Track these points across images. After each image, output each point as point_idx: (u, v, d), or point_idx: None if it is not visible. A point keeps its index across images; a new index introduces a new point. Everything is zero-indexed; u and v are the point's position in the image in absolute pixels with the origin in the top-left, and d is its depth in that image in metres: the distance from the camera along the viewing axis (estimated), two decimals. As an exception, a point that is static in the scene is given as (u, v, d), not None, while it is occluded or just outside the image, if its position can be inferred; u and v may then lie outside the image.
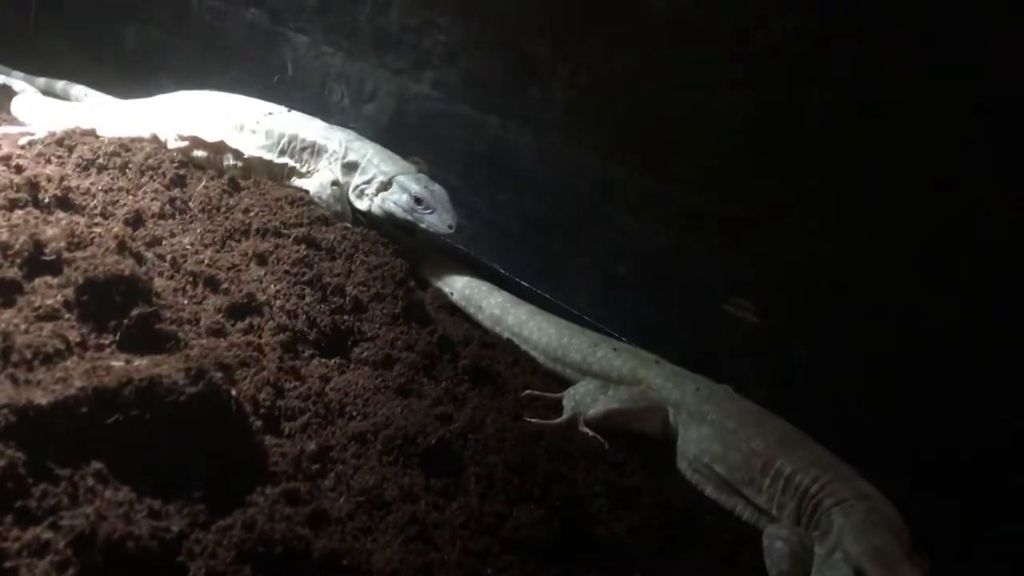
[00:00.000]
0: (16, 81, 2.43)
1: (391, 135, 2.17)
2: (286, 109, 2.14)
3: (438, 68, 2.18)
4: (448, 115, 2.16)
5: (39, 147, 1.91)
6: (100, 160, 1.89)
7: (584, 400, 1.62)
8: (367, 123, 2.20)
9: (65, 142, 1.96)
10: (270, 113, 2.10)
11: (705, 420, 1.56)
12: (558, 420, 1.59)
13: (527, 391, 1.66)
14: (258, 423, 1.28)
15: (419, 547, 1.12)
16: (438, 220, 1.90)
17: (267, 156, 2.05)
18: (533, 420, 1.54)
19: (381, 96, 2.29)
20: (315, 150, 2.05)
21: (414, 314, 1.69)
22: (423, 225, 1.92)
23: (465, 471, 1.31)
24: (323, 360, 1.50)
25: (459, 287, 1.96)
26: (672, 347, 1.78)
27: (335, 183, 2.01)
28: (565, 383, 1.75)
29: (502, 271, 2.07)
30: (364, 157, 2.01)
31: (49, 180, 1.61)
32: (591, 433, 1.57)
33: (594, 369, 1.73)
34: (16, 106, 2.22)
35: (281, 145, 2.05)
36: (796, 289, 1.69)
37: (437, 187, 1.94)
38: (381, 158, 2.01)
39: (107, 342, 1.27)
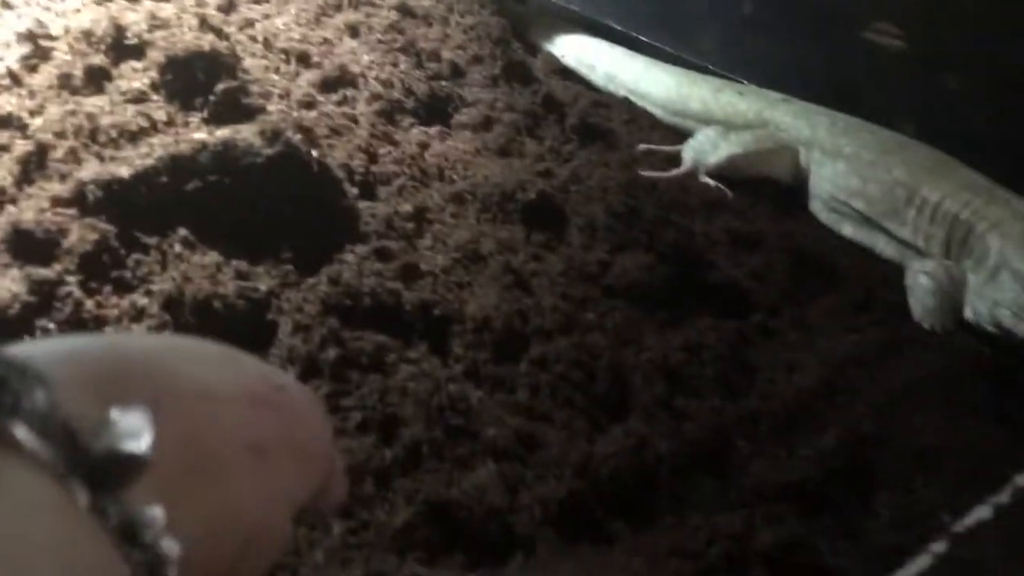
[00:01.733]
0: None
1: None
2: None
3: None
4: None
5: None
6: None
7: (704, 148, 1.50)
8: None
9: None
10: None
11: (841, 154, 1.41)
12: (675, 171, 1.48)
13: (642, 145, 1.55)
14: (353, 190, 1.23)
15: (515, 295, 1.08)
16: None
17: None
18: (648, 173, 1.43)
19: None
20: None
21: (516, 74, 1.59)
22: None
23: (568, 224, 1.24)
24: (422, 128, 1.44)
25: (570, 48, 1.83)
26: (808, 88, 1.61)
27: None
28: (687, 137, 1.62)
29: (618, 27, 1.91)
30: None
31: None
32: (713, 183, 1.46)
33: (718, 117, 1.59)
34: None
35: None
36: (946, 7, 1.47)
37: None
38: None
39: (195, 120, 1.25)
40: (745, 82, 1.70)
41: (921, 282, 1.24)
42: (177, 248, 1.04)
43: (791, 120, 1.49)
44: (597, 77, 1.77)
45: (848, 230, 1.40)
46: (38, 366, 0.36)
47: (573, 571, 0.79)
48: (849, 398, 1.07)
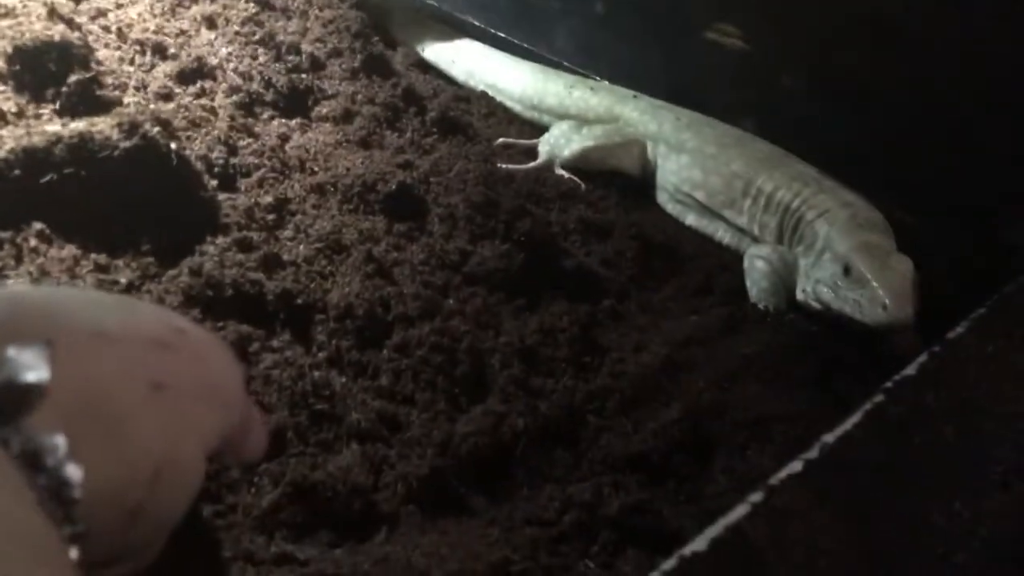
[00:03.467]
0: None
1: None
2: None
3: None
4: None
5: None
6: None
7: (559, 142, 1.57)
8: None
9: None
10: None
11: (684, 149, 1.50)
12: (532, 164, 1.54)
13: (501, 139, 1.61)
14: (213, 183, 1.24)
15: (377, 283, 1.11)
16: None
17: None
18: (506, 166, 1.49)
19: None
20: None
21: (376, 68, 1.62)
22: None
23: (428, 214, 1.28)
24: (283, 120, 1.45)
25: (430, 42, 1.87)
26: (655, 84, 1.70)
27: None
28: (543, 131, 1.69)
29: (477, 23, 1.96)
30: None
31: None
32: (567, 175, 1.53)
33: (571, 112, 1.66)
34: None
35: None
36: (778, 11, 1.58)
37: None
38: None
39: (46, 111, 1.23)
40: (598, 78, 1.78)
41: (757, 266, 1.34)
42: (32, 242, 1.03)
43: (639, 116, 1.58)
44: (457, 72, 1.82)
45: (691, 219, 1.50)
46: None
47: (434, 543, 0.83)
48: (690, 374, 1.15)
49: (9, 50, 1.25)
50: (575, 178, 1.52)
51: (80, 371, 0.43)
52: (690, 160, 1.49)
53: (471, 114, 1.68)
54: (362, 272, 1.13)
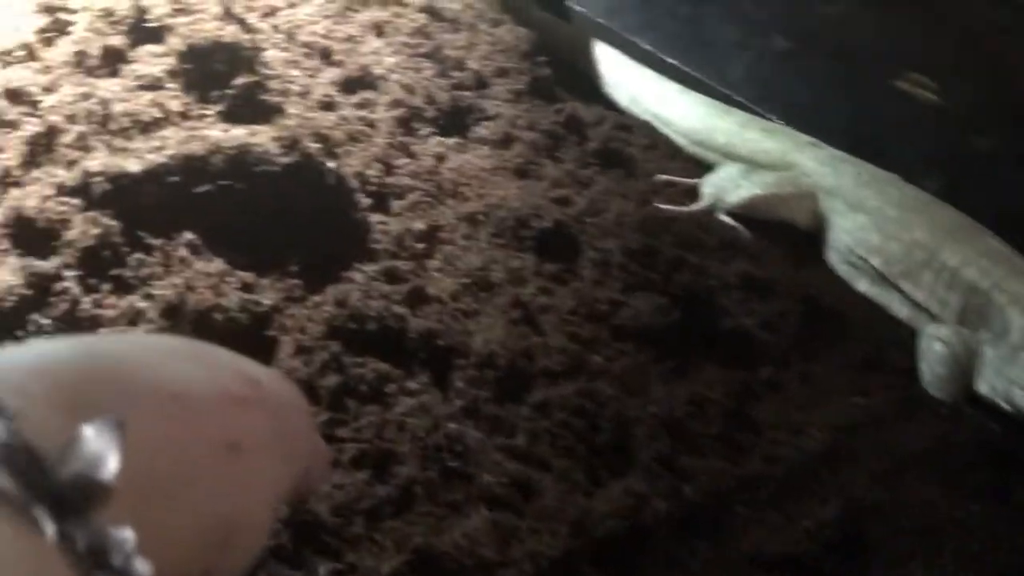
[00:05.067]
0: None
1: None
2: None
3: None
4: None
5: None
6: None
7: (725, 186, 1.47)
8: None
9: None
10: None
11: (863, 208, 1.38)
12: (693, 207, 1.45)
13: (661, 176, 1.52)
14: (365, 201, 1.21)
15: (522, 331, 1.05)
16: None
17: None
18: (664, 207, 1.40)
19: None
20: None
21: (540, 91, 1.56)
22: None
23: (581, 257, 1.22)
24: (440, 139, 1.41)
25: (596, 63, 1.79)
26: (831, 130, 1.58)
27: None
28: (708, 169, 1.59)
29: (646, 46, 1.88)
30: None
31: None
32: (730, 222, 1.43)
33: (741, 153, 1.56)
34: None
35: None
36: (982, 65, 1.45)
37: None
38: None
39: (210, 112, 1.22)
40: (773, 119, 1.67)
41: (935, 348, 1.22)
42: (182, 252, 1.01)
43: (816, 166, 1.46)
44: (621, 97, 1.74)
45: (863, 286, 1.38)
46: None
47: (561, 634, 0.77)
48: (852, 466, 1.05)
49: (182, 48, 1.25)
50: (738, 225, 1.42)
51: (156, 439, 0.40)
52: (868, 221, 1.37)
53: (632, 145, 1.59)
54: (507, 317, 1.07)
